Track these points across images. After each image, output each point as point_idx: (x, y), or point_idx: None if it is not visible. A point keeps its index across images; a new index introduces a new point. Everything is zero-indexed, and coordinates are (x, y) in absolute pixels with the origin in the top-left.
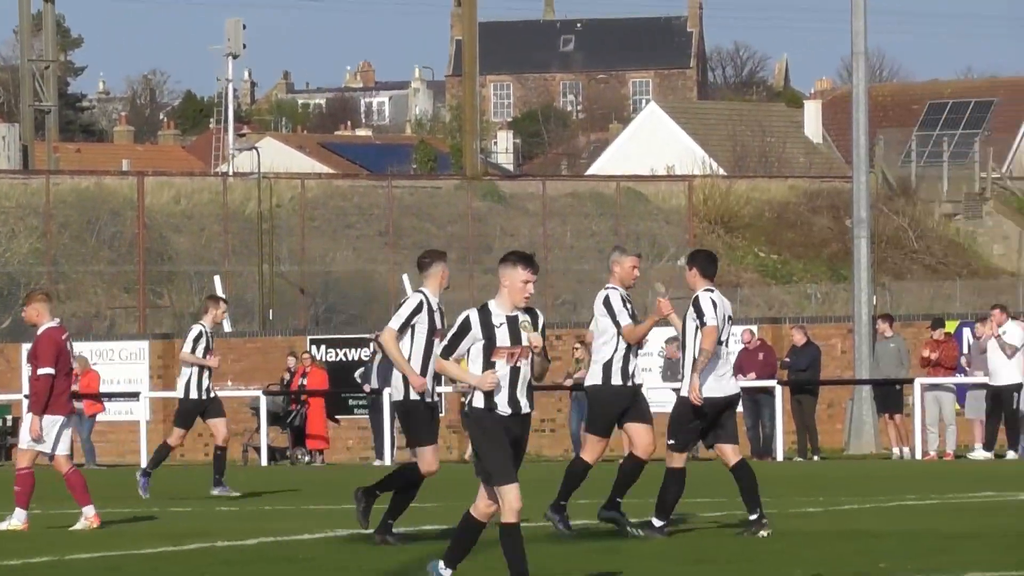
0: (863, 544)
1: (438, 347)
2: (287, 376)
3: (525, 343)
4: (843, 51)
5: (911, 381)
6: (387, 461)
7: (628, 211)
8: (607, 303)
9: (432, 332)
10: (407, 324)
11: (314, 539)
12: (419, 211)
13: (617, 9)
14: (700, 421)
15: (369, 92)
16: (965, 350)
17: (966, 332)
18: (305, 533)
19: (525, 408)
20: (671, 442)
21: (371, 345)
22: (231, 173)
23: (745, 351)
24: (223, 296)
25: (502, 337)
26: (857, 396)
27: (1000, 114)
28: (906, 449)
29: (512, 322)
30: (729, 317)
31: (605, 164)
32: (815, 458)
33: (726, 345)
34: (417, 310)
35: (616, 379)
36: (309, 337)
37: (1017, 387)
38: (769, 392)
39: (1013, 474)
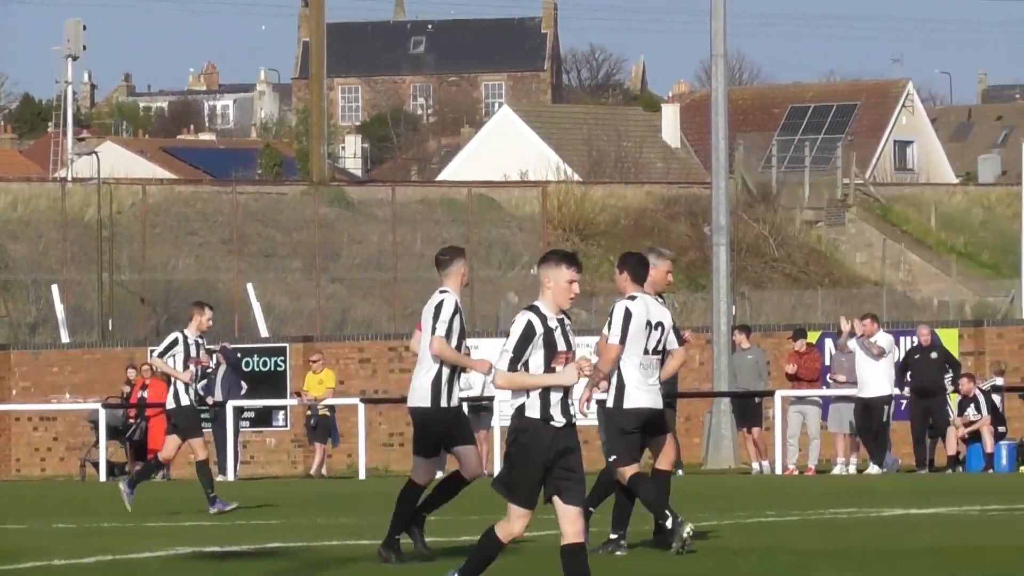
0: (722, 560)
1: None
2: (127, 389)
3: (573, 347)
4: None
5: (771, 394)
6: (230, 476)
7: (480, 218)
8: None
9: (462, 334)
10: (451, 327)
11: (155, 557)
12: (264, 218)
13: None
14: (633, 434)
15: (213, 95)
16: (827, 361)
17: (828, 343)
18: (146, 551)
19: (576, 417)
20: (612, 459)
21: (214, 357)
22: (70, 179)
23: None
24: (208, 302)
25: (560, 342)
26: (716, 409)
27: (863, 118)
28: (766, 463)
29: (562, 325)
30: (658, 324)
31: (456, 169)
32: (678, 472)
33: (649, 353)
34: (456, 311)
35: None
36: (150, 348)
37: (887, 399)
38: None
39: (875, 489)
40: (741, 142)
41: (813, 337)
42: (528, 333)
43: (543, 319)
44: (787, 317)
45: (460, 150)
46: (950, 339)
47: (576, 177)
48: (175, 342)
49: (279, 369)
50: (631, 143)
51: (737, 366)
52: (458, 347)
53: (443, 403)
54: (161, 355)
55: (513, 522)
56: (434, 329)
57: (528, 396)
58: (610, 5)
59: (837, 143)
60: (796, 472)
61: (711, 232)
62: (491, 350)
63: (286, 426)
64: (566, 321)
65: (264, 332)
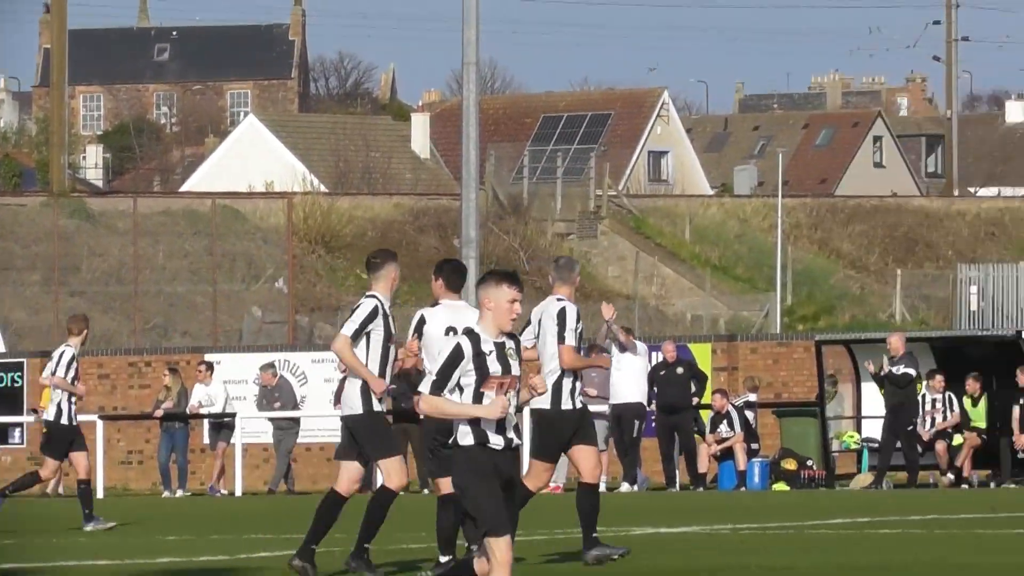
0: None
1: (392, 354)
2: None
3: (515, 372)
4: (453, 61)
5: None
6: None
7: (225, 230)
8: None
9: (388, 338)
10: (362, 330)
11: None
12: (2, 230)
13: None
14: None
15: None
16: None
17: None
18: None
19: (515, 440)
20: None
21: None
22: None
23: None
24: (84, 315)
25: (492, 366)
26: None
27: (617, 128)
28: None
29: (500, 348)
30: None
31: (201, 180)
32: (425, 492)
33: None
34: (372, 315)
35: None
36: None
37: (639, 410)
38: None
39: (626, 508)
40: (492, 152)
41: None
42: (455, 357)
43: (475, 342)
44: None
45: (204, 160)
46: (703, 354)
47: (323, 188)
48: (74, 359)
49: (16, 385)
50: (379, 153)
51: None
52: (384, 351)
53: (375, 407)
54: (65, 373)
55: (495, 553)
56: (341, 325)
57: (459, 424)
58: (360, 12)
59: (590, 154)
60: (561, 490)
61: (460, 245)
62: (232, 366)
63: (22, 443)
64: (507, 344)
65: (1, 347)
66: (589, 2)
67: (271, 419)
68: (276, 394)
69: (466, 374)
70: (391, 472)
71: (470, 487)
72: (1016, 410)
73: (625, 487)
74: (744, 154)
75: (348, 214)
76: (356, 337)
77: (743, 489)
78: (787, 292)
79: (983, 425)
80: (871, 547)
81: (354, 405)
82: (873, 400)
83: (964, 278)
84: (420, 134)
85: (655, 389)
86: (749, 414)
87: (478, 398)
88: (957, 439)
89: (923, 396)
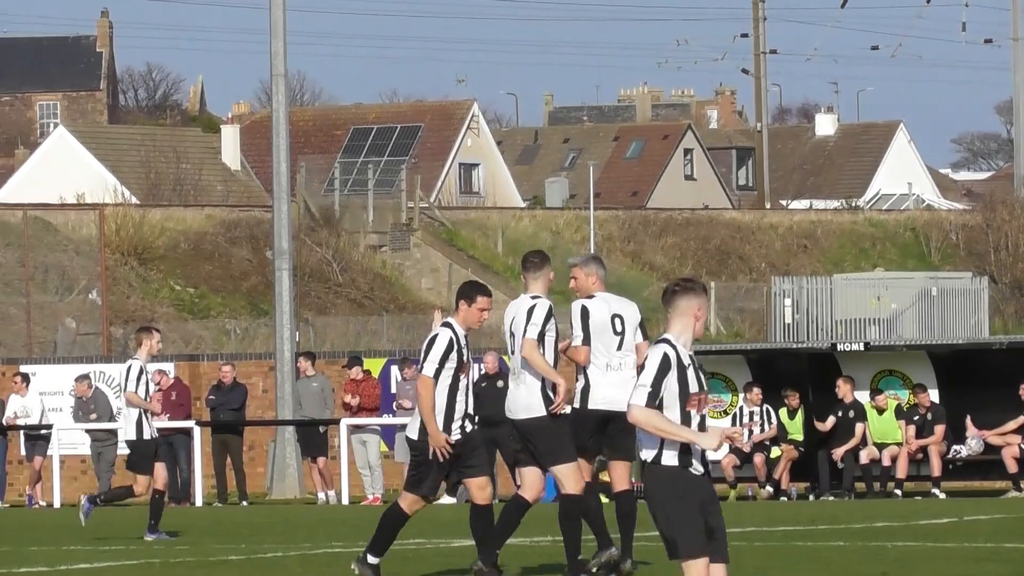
0: None
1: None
2: None
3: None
4: (262, 73)
5: (336, 422)
6: None
7: (36, 241)
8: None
9: (559, 340)
10: (543, 332)
11: None
12: None
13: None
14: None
15: None
16: (393, 388)
17: (394, 369)
18: None
19: (708, 465)
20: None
21: None
22: None
23: (159, 391)
24: (156, 326)
25: (692, 382)
26: (280, 437)
27: (428, 140)
28: (331, 493)
29: (694, 362)
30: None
31: (11, 192)
32: (244, 503)
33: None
34: (549, 316)
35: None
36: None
37: None
38: (187, 433)
39: (445, 520)
40: (303, 164)
41: (378, 364)
42: (665, 366)
43: (677, 355)
44: (351, 344)
45: (14, 172)
46: None
47: (134, 199)
48: (142, 372)
49: None
50: (190, 165)
51: (302, 394)
52: (556, 353)
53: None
54: (136, 388)
55: None
56: (526, 331)
57: (660, 441)
58: (168, 24)
59: (401, 166)
60: (377, 501)
61: (273, 256)
62: (48, 377)
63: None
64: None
65: None
66: (397, 14)
67: (88, 431)
68: (92, 405)
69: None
70: (567, 479)
71: (671, 509)
72: (832, 421)
73: (447, 499)
74: (555, 166)
75: (160, 225)
76: (541, 339)
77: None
78: None
79: (800, 438)
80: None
81: (533, 407)
82: None
83: (778, 291)
84: (230, 146)
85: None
86: None
87: (685, 415)
88: (775, 451)
89: (740, 408)
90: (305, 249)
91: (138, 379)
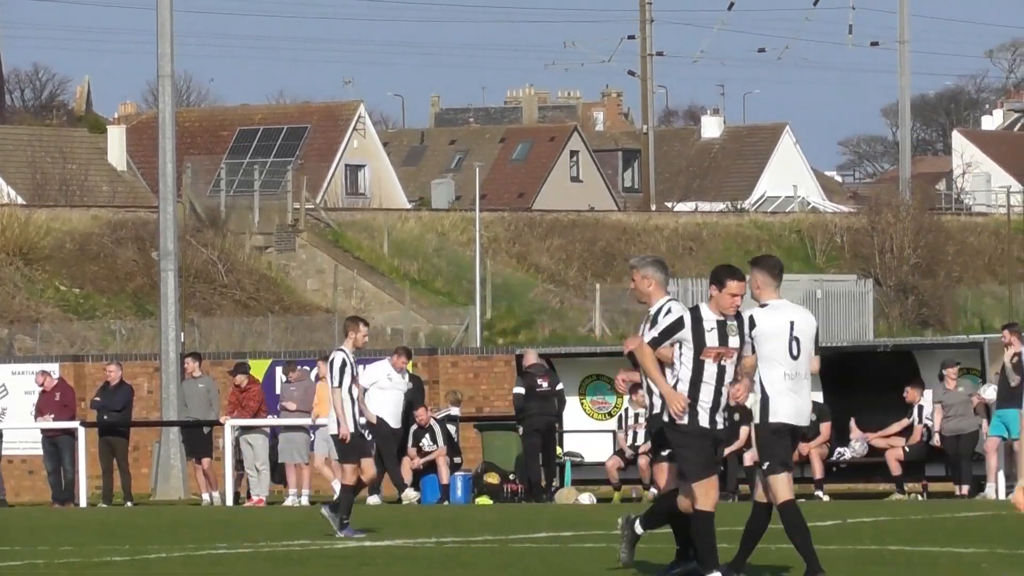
0: None
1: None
2: None
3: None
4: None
5: (221, 423)
6: None
7: None
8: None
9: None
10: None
11: None
12: None
13: None
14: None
15: None
16: (278, 389)
17: (279, 371)
18: None
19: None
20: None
21: None
22: None
23: (43, 392)
24: (365, 318)
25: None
26: (164, 438)
27: (314, 141)
28: (216, 494)
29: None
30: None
31: None
32: (128, 504)
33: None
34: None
35: None
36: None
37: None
38: (71, 434)
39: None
40: (189, 165)
41: (263, 365)
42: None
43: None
44: (237, 344)
45: None
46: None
47: (20, 200)
48: (344, 364)
49: None
50: (76, 165)
51: (188, 394)
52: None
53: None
54: (339, 382)
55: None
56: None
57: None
58: (54, 24)
59: (287, 167)
60: (263, 503)
61: (159, 257)
62: None
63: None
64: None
65: None
66: (283, 16)
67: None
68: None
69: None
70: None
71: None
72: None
73: (374, 499)
74: (441, 168)
75: (46, 226)
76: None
77: (446, 503)
78: (487, 306)
79: None
80: (576, 559)
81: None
82: (575, 414)
83: None
84: (117, 147)
85: None
86: (451, 428)
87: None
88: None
89: (626, 410)
90: (191, 250)
91: (341, 372)
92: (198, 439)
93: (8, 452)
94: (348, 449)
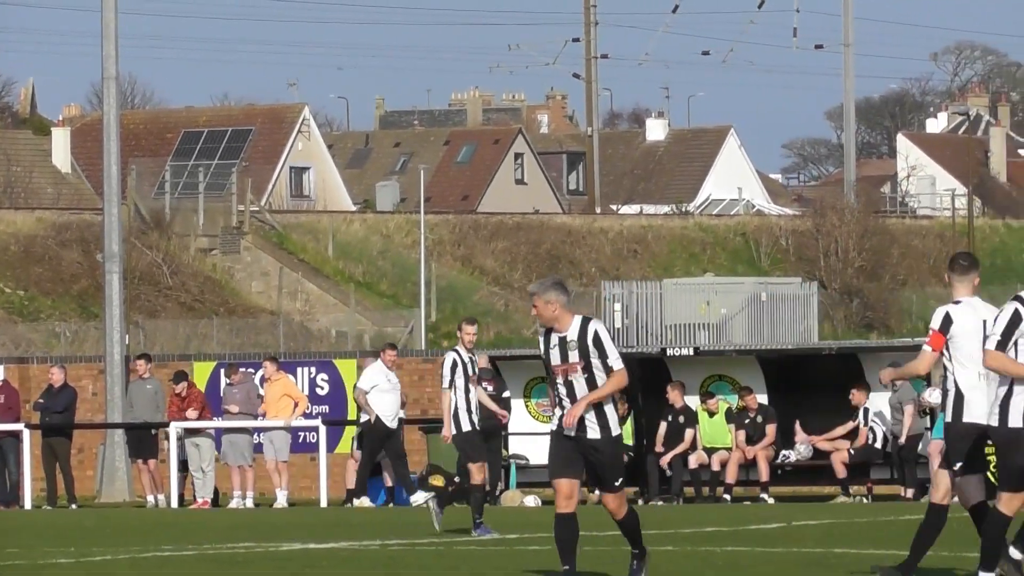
0: None
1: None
2: None
3: None
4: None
5: (167, 425)
6: None
7: None
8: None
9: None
10: (1007, 340)
11: None
12: None
13: None
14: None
15: None
16: (221, 392)
17: (223, 373)
18: None
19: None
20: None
21: None
22: None
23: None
24: (473, 318)
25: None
26: (109, 440)
27: (259, 143)
28: (161, 496)
29: None
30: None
31: None
32: (73, 506)
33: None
34: (1016, 321)
35: None
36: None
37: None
38: (15, 436)
39: (274, 523)
40: (134, 167)
41: (208, 368)
42: (1016, 320)
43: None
44: (181, 347)
45: None
46: (348, 370)
47: None
48: (455, 364)
49: None
50: (20, 167)
51: (135, 395)
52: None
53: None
54: (451, 383)
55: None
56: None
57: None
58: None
59: (232, 169)
60: (205, 505)
61: (103, 259)
62: None
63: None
64: None
65: None
66: (227, 17)
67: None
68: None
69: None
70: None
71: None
72: (663, 427)
73: (279, 501)
74: (386, 170)
75: None
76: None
77: (391, 505)
78: (431, 308)
79: (630, 442)
80: (522, 561)
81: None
82: (520, 417)
83: (608, 295)
84: (61, 148)
85: None
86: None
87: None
88: None
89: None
90: (135, 252)
91: (452, 372)
92: (144, 440)
93: None
94: (473, 448)
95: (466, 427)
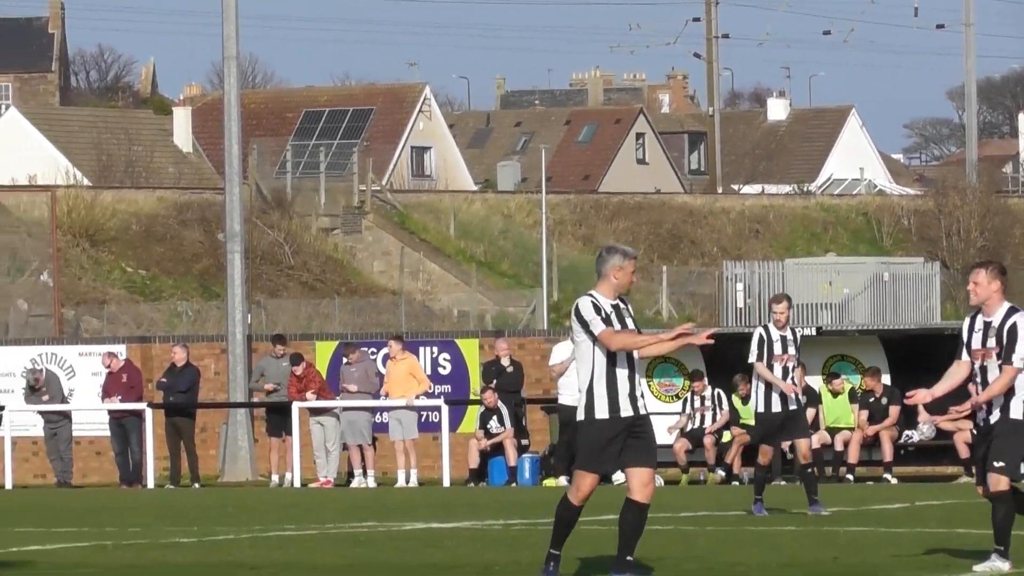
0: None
1: None
2: None
3: None
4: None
5: (289, 405)
6: None
7: None
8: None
9: None
10: None
11: None
12: None
13: None
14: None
15: None
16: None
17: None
18: None
19: None
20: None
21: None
22: None
23: (110, 374)
24: (787, 294)
25: None
26: (232, 420)
27: (379, 123)
28: (287, 475)
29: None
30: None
31: None
32: (196, 486)
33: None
34: None
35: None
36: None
37: None
38: (138, 415)
39: (396, 503)
40: (255, 147)
41: (330, 347)
42: None
43: None
44: (303, 326)
45: None
46: (471, 350)
47: (86, 181)
48: (761, 340)
49: None
50: (142, 147)
51: (267, 370)
52: None
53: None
54: (759, 357)
55: None
56: None
57: None
58: (119, 6)
59: (353, 149)
60: (332, 484)
61: (225, 239)
62: (0, 358)
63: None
64: None
65: None
66: None
67: (41, 412)
68: (44, 388)
69: None
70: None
71: None
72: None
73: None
74: (507, 150)
75: (112, 208)
76: None
77: (514, 485)
78: (553, 288)
79: (753, 423)
80: (647, 542)
81: None
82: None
83: (730, 275)
84: (182, 128)
85: None
86: (518, 409)
87: None
88: (726, 436)
89: (691, 394)
90: (257, 232)
91: (759, 347)
92: (283, 416)
93: (76, 433)
94: (766, 429)
95: (761, 408)
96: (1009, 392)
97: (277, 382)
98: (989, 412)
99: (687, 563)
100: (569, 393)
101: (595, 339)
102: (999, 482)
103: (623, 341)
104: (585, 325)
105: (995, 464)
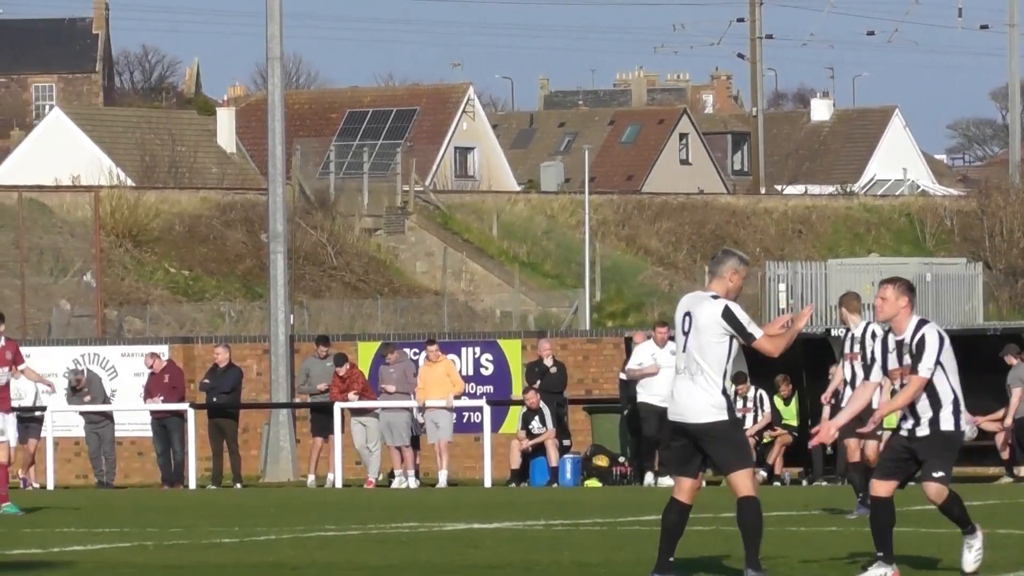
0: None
1: None
2: None
3: None
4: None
5: (331, 405)
6: None
7: (31, 223)
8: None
9: None
10: None
11: None
12: None
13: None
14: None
15: None
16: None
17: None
18: None
19: None
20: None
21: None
22: None
23: (152, 374)
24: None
25: None
26: (274, 420)
27: (423, 124)
28: (330, 476)
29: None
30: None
31: (6, 173)
32: (237, 486)
33: None
34: None
35: None
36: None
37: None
38: (180, 416)
39: (437, 504)
40: (298, 147)
41: (372, 348)
42: None
43: None
44: (346, 327)
45: (10, 154)
46: (513, 351)
47: (129, 182)
48: (850, 337)
49: None
50: (185, 147)
51: (312, 370)
52: None
53: None
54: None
55: None
56: None
57: None
58: (162, 6)
59: (396, 149)
60: (374, 484)
61: (268, 239)
62: (42, 359)
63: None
64: None
65: None
66: None
67: (82, 413)
68: (86, 388)
69: None
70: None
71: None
72: (827, 409)
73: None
74: (550, 150)
75: (155, 208)
76: None
77: (555, 485)
78: (596, 289)
79: (795, 423)
80: (686, 543)
81: None
82: None
83: (772, 276)
84: (226, 128)
85: None
86: (560, 410)
87: None
88: (768, 437)
89: (734, 395)
90: (300, 232)
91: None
92: (328, 417)
93: (118, 434)
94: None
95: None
96: (936, 405)
97: (324, 383)
98: (917, 423)
99: (729, 560)
100: (651, 392)
101: (748, 342)
102: (941, 493)
103: (779, 343)
104: (741, 328)
105: (934, 475)
